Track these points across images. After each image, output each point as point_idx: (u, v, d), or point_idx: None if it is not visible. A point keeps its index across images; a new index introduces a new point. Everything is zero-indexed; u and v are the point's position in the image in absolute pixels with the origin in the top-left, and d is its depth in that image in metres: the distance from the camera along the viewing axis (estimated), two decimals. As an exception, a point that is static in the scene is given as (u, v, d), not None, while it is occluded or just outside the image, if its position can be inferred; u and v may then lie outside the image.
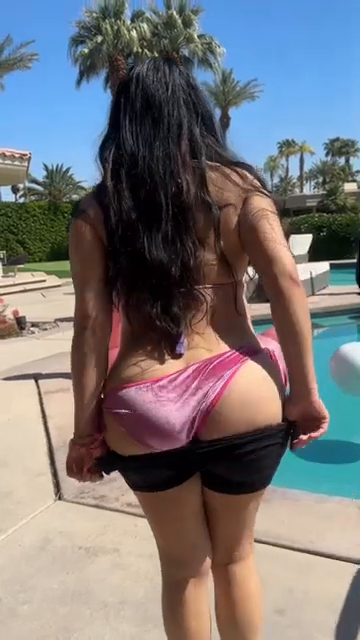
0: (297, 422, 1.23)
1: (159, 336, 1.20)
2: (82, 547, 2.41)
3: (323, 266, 10.57)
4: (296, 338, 1.16)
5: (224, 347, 1.21)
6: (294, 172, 67.25)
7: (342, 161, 57.93)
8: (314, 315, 7.20)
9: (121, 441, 1.24)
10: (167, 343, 1.20)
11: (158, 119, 1.20)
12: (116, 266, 1.18)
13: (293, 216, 19.45)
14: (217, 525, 1.39)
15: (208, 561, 1.40)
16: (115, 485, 2.93)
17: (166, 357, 1.20)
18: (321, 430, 1.22)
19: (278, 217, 1.21)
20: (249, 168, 1.24)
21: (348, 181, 40.31)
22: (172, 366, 1.19)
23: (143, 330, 1.22)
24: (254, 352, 1.23)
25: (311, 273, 9.57)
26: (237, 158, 1.25)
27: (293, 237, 15.67)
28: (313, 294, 9.48)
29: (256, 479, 1.30)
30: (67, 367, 4.52)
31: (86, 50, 26.38)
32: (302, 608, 1.93)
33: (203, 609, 1.39)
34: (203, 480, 1.32)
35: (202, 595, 1.40)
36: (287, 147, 62.20)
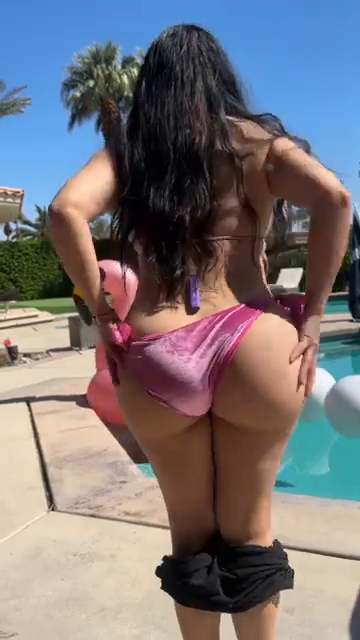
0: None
1: (168, 287, 1.19)
2: (77, 554, 2.29)
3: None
4: (330, 260, 1.14)
5: (239, 299, 1.19)
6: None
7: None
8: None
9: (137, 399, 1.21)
10: (178, 294, 1.19)
11: (170, 77, 1.23)
12: (123, 209, 1.20)
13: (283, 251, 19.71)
14: (234, 488, 1.30)
15: (213, 527, 1.33)
16: (112, 495, 2.84)
17: (180, 309, 1.18)
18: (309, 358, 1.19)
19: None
20: (271, 118, 1.24)
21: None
22: (187, 318, 1.17)
23: (154, 281, 1.21)
24: (267, 303, 1.21)
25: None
26: (259, 113, 1.25)
27: (284, 270, 15.85)
28: (306, 321, 9.48)
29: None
30: (58, 391, 4.53)
31: (78, 94, 27.11)
32: (312, 606, 1.83)
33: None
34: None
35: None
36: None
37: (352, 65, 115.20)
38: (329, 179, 1.09)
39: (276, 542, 1.36)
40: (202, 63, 1.24)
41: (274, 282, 14.59)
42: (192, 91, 1.21)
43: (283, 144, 1.17)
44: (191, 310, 1.18)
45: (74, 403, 4.95)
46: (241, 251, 1.22)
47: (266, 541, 1.33)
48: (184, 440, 1.26)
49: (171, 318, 1.18)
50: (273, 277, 14.63)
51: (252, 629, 1.34)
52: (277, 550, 1.35)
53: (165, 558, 1.36)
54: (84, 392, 4.94)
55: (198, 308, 1.18)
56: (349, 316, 9.37)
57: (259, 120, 1.22)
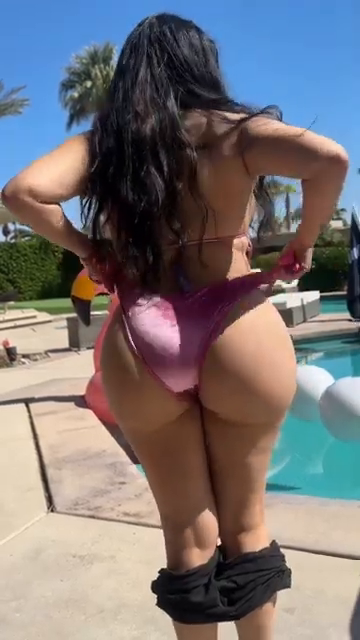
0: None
1: (142, 279, 1.21)
2: (77, 555, 2.29)
3: (314, 294, 10.64)
4: (322, 213, 1.15)
5: (224, 279, 1.21)
6: (279, 213, 68.89)
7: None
8: (308, 340, 7.23)
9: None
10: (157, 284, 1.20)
11: (123, 68, 1.23)
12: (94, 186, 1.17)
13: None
14: (223, 482, 1.30)
15: (214, 531, 1.31)
16: (111, 496, 2.83)
17: (169, 284, 1.20)
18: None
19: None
20: (230, 100, 1.20)
21: (334, 219, 41.04)
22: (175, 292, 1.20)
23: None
24: (248, 289, 1.21)
25: (302, 300, 9.62)
26: (220, 96, 1.21)
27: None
28: (305, 321, 9.51)
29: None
30: (57, 392, 4.51)
31: (76, 94, 27.17)
32: (312, 606, 1.83)
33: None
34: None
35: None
36: (272, 188, 63.45)
37: (352, 65, 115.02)
38: (325, 145, 1.01)
39: (274, 543, 1.36)
40: (150, 51, 1.21)
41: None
42: (136, 81, 1.19)
43: (256, 123, 1.10)
44: (184, 290, 1.19)
45: (73, 404, 4.95)
46: (214, 251, 1.20)
47: (260, 536, 1.32)
48: (172, 432, 1.25)
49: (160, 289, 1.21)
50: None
51: (252, 627, 1.34)
52: (275, 552, 1.34)
53: (161, 571, 1.34)
54: (83, 392, 4.94)
55: (188, 292, 1.18)
56: (348, 315, 9.37)
57: (221, 104, 1.18)
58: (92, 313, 5.47)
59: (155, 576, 1.37)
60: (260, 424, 1.24)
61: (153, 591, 1.35)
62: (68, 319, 9.55)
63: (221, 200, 1.17)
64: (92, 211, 1.20)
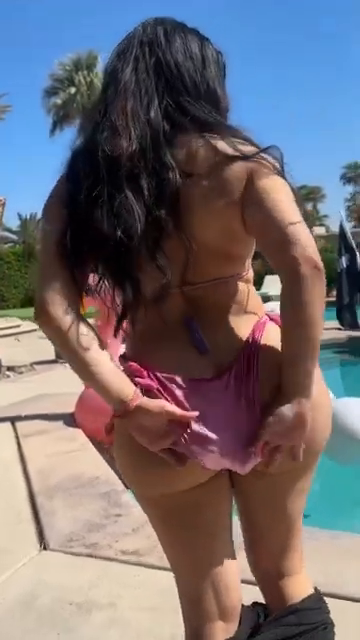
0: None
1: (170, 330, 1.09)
2: (73, 602, 2.11)
3: (302, 303, 10.54)
4: (303, 339, 0.99)
5: (241, 339, 1.08)
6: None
7: (310, 207, 59.51)
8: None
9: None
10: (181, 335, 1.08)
11: (112, 79, 1.07)
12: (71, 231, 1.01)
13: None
14: (261, 532, 1.20)
15: (238, 598, 1.18)
16: (107, 531, 2.66)
17: (192, 353, 1.07)
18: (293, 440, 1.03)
19: (292, 195, 0.99)
20: (230, 125, 1.06)
21: (317, 225, 41.34)
22: (203, 367, 1.06)
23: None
24: (267, 335, 1.10)
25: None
26: (216, 116, 1.04)
27: (268, 277, 15.80)
28: (294, 331, 9.40)
29: None
30: (45, 409, 4.27)
31: (59, 101, 27.03)
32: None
33: None
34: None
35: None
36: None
37: (352, 60, 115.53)
38: (300, 244, 0.92)
39: (317, 591, 1.24)
40: (138, 54, 1.05)
41: (258, 289, 14.49)
42: (119, 89, 1.03)
43: (260, 174, 0.98)
44: (202, 354, 1.06)
45: (62, 422, 4.76)
46: (223, 291, 1.09)
47: (303, 582, 1.22)
48: (201, 490, 1.11)
49: (188, 362, 1.06)
50: (257, 284, 14.51)
51: None
52: (318, 604, 1.22)
53: None
54: (71, 410, 4.75)
55: (207, 350, 1.06)
56: (337, 324, 9.32)
57: (217, 128, 1.02)
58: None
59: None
60: (299, 468, 1.13)
61: None
62: (53, 330, 9.32)
63: (220, 238, 1.04)
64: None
